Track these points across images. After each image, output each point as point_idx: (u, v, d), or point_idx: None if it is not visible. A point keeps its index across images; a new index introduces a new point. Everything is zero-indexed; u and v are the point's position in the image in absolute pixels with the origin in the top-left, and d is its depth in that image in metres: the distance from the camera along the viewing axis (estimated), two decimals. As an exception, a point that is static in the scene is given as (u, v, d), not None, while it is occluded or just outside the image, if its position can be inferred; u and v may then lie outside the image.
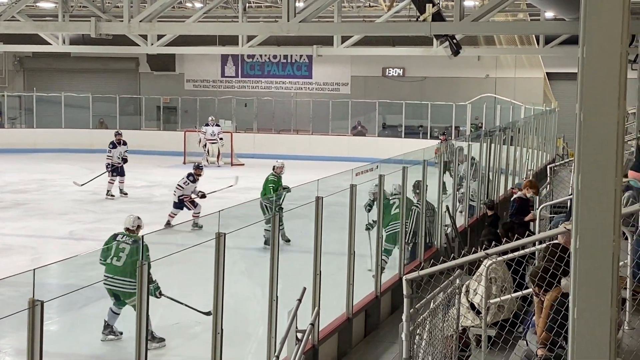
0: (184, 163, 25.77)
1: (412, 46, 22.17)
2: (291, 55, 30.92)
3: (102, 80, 32.19)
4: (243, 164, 25.68)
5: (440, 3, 14.47)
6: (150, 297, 8.32)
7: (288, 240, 12.92)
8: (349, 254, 8.71)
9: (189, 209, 15.24)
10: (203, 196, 15.35)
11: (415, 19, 13.04)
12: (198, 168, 15.73)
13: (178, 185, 15.47)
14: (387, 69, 30.46)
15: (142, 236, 7.02)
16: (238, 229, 7.04)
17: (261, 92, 31.08)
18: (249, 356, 8.44)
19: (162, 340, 8.81)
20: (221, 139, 25.84)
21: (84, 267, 10.15)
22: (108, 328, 9.08)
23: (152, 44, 20.40)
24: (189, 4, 23.65)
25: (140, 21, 12.83)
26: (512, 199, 12.44)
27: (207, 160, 25.65)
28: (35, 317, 4.18)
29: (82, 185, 18.94)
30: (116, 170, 19.27)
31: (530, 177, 16.99)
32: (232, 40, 23.41)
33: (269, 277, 7.09)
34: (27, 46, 23.23)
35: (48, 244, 14.74)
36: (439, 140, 22.41)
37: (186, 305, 8.86)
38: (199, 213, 14.97)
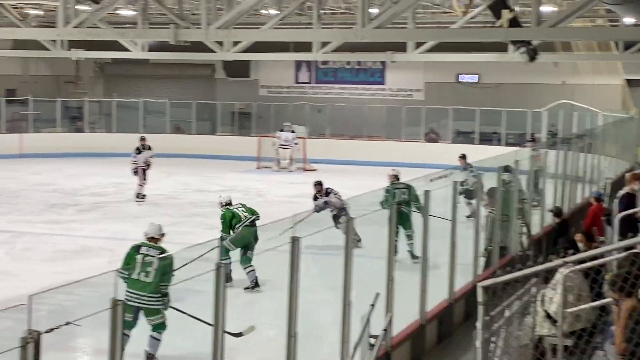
0: (258, 168, 26.04)
1: (486, 52, 21.93)
2: (365, 62, 30.95)
3: (179, 86, 32.72)
4: (315, 170, 25.79)
5: (517, 9, 14.31)
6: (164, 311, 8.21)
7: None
8: (422, 260, 8.68)
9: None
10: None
11: (491, 25, 12.94)
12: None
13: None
14: (461, 75, 30.25)
15: (166, 251, 6.87)
16: (312, 233, 7.10)
17: (334, 98, 31.17)
18: (322, 361, 8.48)
19: None
20: (296, 143, 25.99)
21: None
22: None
23: (228, 51, 20.62)
24: (264, 11, 23.86)
25: (218, 28, 13.01)
26: (620, 195, 11.75)
27: (279, 165, 25.88)
28: (117, 316, 4.29)
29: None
30: (142, 174, 19.42)
31: (634, 171, 16.11)
32: (306, 47, 23.48)
33: (342, 281, 7.12)
34: (108, 53, 23.73)
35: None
36: (528, 146, 21.83)
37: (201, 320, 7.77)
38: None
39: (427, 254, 8.77)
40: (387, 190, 13.46)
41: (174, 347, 8.80)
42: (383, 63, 30.32)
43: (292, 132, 26.15)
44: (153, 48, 24.74)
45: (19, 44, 28.11)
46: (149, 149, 19.73)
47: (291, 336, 6.05)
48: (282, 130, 26.17)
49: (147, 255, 8.42)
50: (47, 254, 13.65)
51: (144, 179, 19.39)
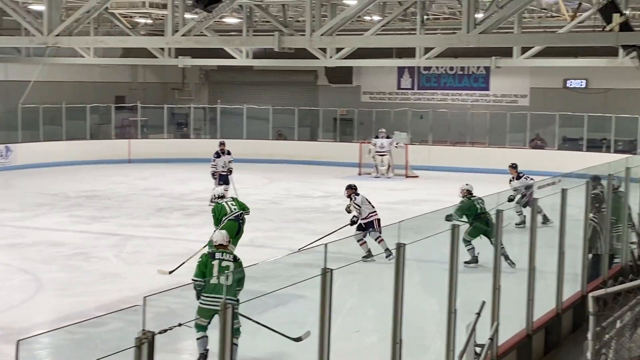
0: (359, 174, 26.05)
1: (595, 57, 21.45)
2: (468, 67, 30.64)
3: (282, 93, 33.09)
4: (417, 176, 25.67)
5: (628, 12, 13.93)
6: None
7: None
8: (529, 269, 8.53)
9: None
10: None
11: (600, 29, 12.62)
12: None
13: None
14: (569, 81, 29.58)
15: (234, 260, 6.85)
16: (417, 240, 7.05)
17: (437, 104, 30.95)
18: (426, 369, 8.43)
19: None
20: (397, 146, 25.89)
21: (267, 274, 10.45)
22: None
23: (330, 57, 20.81)
24: (367, 17, 23.91)
25: (322, 35, 13.09)
26: None
27: (377, 171, 25.85)
28: (226, 320, 4.35)
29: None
30: (222, 179, 19.45)
31: None
32: (408, 53, 23.47)
33: (447, 289, 7.06)
34: (213, 60, 24.21)
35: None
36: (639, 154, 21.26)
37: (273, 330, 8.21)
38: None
39: (534, 263, 8.60)
40: (462, 202, 13.57)
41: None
42: (487, 68, 29.95)
43: (388, 137, 26.05)
44: (257, 55, 25.14)
45: (128, 52, 29.01)
46: (229, 153, 19.85)
47: (396, 343, 6.03)
48: (377, 137, 26.14)
49: (223, 260, 8.72)
50: (154, 257, 13.99)
51: (220, 183, 19.24)
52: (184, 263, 12.01)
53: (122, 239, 15.37)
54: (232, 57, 22.60)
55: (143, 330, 3.68)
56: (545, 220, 12.00)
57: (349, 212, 14.10)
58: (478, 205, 13.34)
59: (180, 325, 4.39)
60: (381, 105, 31.25)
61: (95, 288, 11.93)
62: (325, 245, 5.70)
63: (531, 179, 16.21)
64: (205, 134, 32.35)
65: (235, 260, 8.82)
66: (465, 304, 7.38)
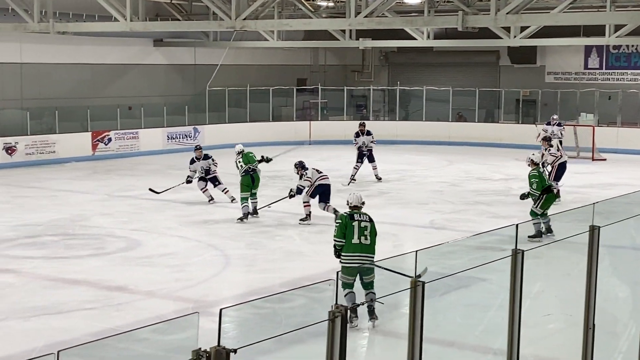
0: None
1: None
2: (662, 45, 29.07)
3: (462, 74, 32.65)
4: (605, 159, 24.66)
5: None
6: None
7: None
8: None
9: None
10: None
11: None
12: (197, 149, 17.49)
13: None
14: None
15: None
16: (610, 223, 6.76)
17: (627, 85, 29.54)
18: (619, 356, 8.09)
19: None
20: (560, 135, 24.90)
21: (446, 256, 10.36)
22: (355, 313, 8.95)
23: (514, 37, 20.33)
24: (553, -5, 23.15)
25: (507, 13, 12.79)
26: None
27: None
28: (416, 296, 4.34)
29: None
30: (360, 157, 20.16)
31: None
32: (597, 31, 22.55)
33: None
34: (394, 42, 24.23)
35: (408, 231, 15.28)
36: None
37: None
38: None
39: None
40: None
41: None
42: (682, 46, 28.30)
43: (559, 124, 25.04)
44: (437, 36, 24.93)
45: (309, 35, 29.53)
46: (369, 134, 20.26)
47: (589, 328, 5.82)
48: (548, 124, 25.19)
49: (362, 220, 9.26)
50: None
51: (359, 161, 20.14)
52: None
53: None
54: (413, 39, 22.52)
55: (336, 304, 3.73)
56: None
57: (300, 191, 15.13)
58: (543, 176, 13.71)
59: (372, 301, 4.45)
60: (566, 86, 30.19)
61: (279, 265, 12.25)
62: (517, 225, 5.56)
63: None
64: (384, 116, 32.46)
65: (371, 220, 9.36)
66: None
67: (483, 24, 14.08)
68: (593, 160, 24.61)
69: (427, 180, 20.82)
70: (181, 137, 26.87)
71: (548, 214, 13.18)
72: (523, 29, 19.72)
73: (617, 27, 20.44)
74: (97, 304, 10.19)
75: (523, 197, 13.83)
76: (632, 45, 29.32)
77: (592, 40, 24.18)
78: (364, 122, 21.06)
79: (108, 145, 24.60)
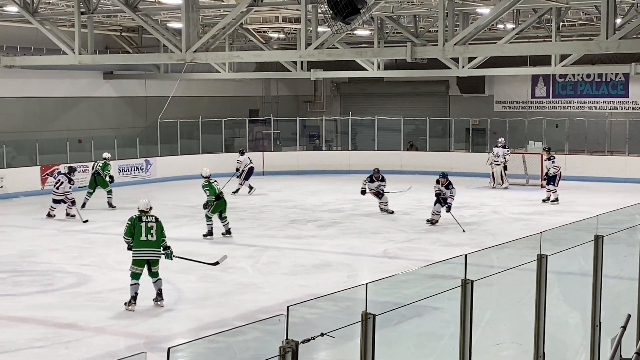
0: (493, 187, 25.60)
1: None
2: (606, 74, 29.68)
3: (413, 104, 33.00)
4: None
5: None
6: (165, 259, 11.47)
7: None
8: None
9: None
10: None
11: None
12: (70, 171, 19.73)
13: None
14: None
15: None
16: (558, 251, 6.85)
17: (573, 113, 30.11)
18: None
19: None
20: (505, 158, 25.31)
21: (399, 285, 10.38)
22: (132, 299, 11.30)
23: (463, 67, 20.61)
24: (500, 26, 23.56)
25: (455, 44, 12.97)
26: None
27: (494, 181, 25.42)
28: (367, 329, 4.34)
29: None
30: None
31: None
32: (543, 60, 22.96)
33: (590, 302, 6.83)
34: (345, 72, 24.40)
35: (362, 261, 15.32)
36: None
37: (194, 260, 12.59)
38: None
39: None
40: None
41: None
42: (626, 75, 28.94)
43: (504, 147, 25.50)
44: (388, 67, 25.18)
45: (261, 67, 29.63)
46: (382, 180, 20.23)
47: (539, 356, 5.87)
48: (495, 146, 25.71)
49: (149, 222, 11.37)
50: (289, 268, 14.15)
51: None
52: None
53: (257, 250, 15.63)
54: (364, 69, 22.70)
55: (287, 339, 3.71)
56: None
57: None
58: None
59: (322, 335, 4.42)
60: (514, 115, 30.66)
61: (233, 298, 12.17)
62: (465, 256, 5.61)
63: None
64: (337, 146, 32.59)
65: (157, 220, 11.47)
66: (609, 317, 7.12)
67: (431, 55, 14.25)
68: (542, 187, 24.92)
69: (377, 208, 20.90)
70: (133, 169, 26.66)
71: None
72: (471, 59, 20.02)
73: (563, 57, 20.85)
74: (46, 342, 10.00)
75: (205, 206, 16.53)
76: (578, 74, 29.96)
77: (539, 69, 24.65)
78: (378, 169, 20.69)
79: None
